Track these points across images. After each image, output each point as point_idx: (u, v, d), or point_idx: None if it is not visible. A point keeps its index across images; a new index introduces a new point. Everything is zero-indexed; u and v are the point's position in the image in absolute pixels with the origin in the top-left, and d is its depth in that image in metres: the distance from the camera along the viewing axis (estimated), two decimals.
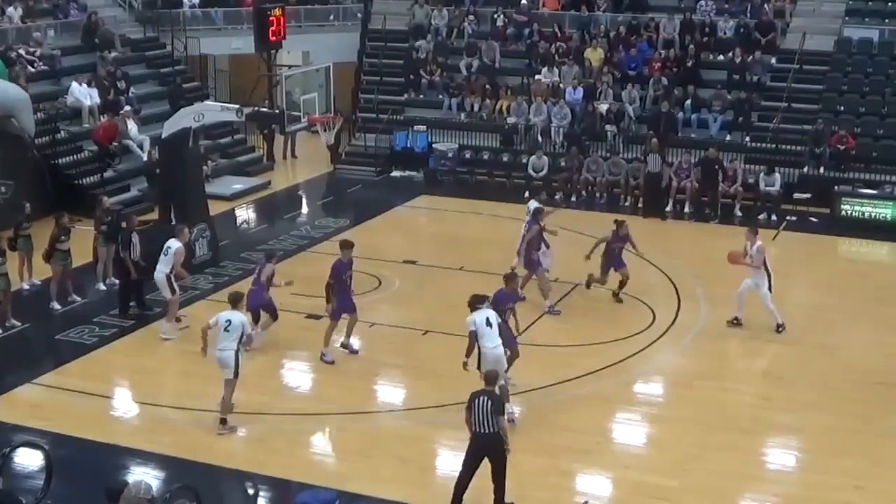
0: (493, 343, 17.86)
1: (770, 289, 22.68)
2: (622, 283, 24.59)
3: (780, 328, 22.80)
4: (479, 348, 17.89)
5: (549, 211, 26.44)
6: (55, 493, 12.47)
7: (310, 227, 30.39)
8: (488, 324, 17.91)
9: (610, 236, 24.47)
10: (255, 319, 21.49)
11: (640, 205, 32.38)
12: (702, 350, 22.11)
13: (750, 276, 22.83)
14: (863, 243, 29.92)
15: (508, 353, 18.46)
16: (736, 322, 23.10)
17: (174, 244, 22.27)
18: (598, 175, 33.33)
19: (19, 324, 22.76)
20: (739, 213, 31.50)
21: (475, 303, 18.22)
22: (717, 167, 31.75)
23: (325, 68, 28.51)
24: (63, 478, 14.10)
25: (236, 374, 18.07)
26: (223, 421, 18.30)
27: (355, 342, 21.66)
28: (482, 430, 15.38)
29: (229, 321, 18.13)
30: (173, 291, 22.33)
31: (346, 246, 21.40)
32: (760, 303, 22.73)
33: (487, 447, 15.46)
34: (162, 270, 22.19)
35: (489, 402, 15.41)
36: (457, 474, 15.92)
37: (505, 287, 19.57)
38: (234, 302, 18.63)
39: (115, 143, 32.04)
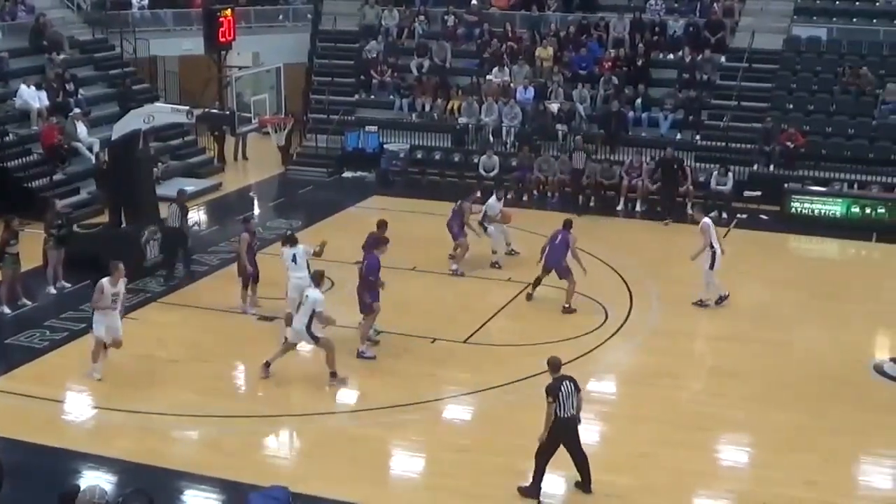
0: None
1: (712, 266, 23.68)
2: (538, 282, 24.74)
3: (700, 303, 24.06)
4: None
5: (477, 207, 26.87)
6: (7, 498, 12.39)
7: (262, 228, 30.21)
8: None
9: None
10: (246, 287, 23.38)
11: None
12: (654, 348, 22.20)
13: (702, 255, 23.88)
14: (813, 240, 30.12)
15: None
16: (700, 303, 24.19)
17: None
18: (550, 174, 33.41)
19: None
20: (691, 212, 31.58)
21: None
22: (675, 167, 31.89)
23: (275, 69, 28.45)
24: (14, 483, 14.02)
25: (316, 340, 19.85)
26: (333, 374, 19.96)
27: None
28: (568, 414, 15.85)
29: (307, 296, 19.68)
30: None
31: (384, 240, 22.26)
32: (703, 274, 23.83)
33: (571, 430, 16.03)
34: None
35: (573, 386, 15.98)
36: (411, 474, 15.87)
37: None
38: (317, 281, 20.23)
39: (64, 146, 31.76)
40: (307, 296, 19.73)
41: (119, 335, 20.20)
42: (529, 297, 24.60)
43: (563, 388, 15.83)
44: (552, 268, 24.13)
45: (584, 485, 16.36)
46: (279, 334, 21.33)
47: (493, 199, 26.65)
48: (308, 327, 19.59)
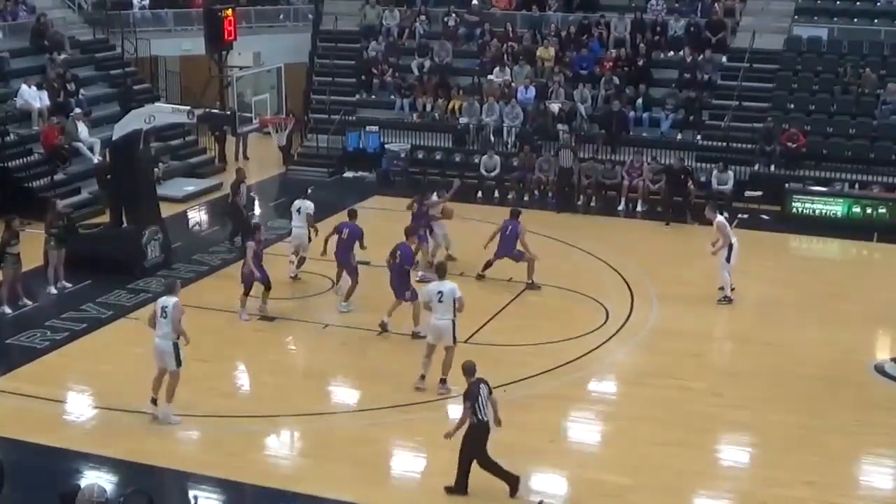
0: None
1: (729, 259, 23.98)
2: (488, 264, 25.48)
3: (725, 299, 24.33)
4: None
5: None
6: (8, 498, 12.40)
7: (262, 228, 30.24)
8: None
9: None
10: (247, 293, 23.14)
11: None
12: (655, 348, 22.21)
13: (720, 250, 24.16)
14: (813, 240, 30.14)
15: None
16: (727, 300, 24.48)
17: (169, 301, 18.80)
18: (550, 174, 33.41)
19: None
20: (682, 215, 31.67)
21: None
22: (683, 176, 31.86)
23: (276, 69, 28.46)
24: (15, 484, 14.04)
25: (455, 341, 19.58)
26: (443, 381, 19.53)
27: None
28: (486, 418, 15.95)
29: (441, 292, 19.41)
30: (179, 363, 18.83)
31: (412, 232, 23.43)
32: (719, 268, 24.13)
33: (487, 434, 16.08)
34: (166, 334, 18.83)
35: (488, 390, 16.09)
36: (411, 474, 15.89)
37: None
38: (442, 272, 20.20)
39: (64, 147, 31.78)
40: (441, 291, 19.57)
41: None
42: (481, 276, 25.57)
43: (480, 392, 15.91)
44: (504, 256, 25.14)
45: (510, 489, 16.30)
46: (280, 335, 21.37)
47: (434, 196, 26.90)
48: (454, 324, 19.65)
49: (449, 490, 16.23)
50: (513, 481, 16.21)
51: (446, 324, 19.39)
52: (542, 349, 21.70)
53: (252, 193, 29.91)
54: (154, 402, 18.53)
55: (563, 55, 38.06)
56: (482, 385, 16.02)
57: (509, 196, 33.23)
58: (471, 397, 15.90)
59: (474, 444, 16.04)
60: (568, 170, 32.62)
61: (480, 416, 15.88)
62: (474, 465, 16.07)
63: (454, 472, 16.32)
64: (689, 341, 22.56)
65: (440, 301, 19.37)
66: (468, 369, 16.35)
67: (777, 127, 33.41)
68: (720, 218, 24.46)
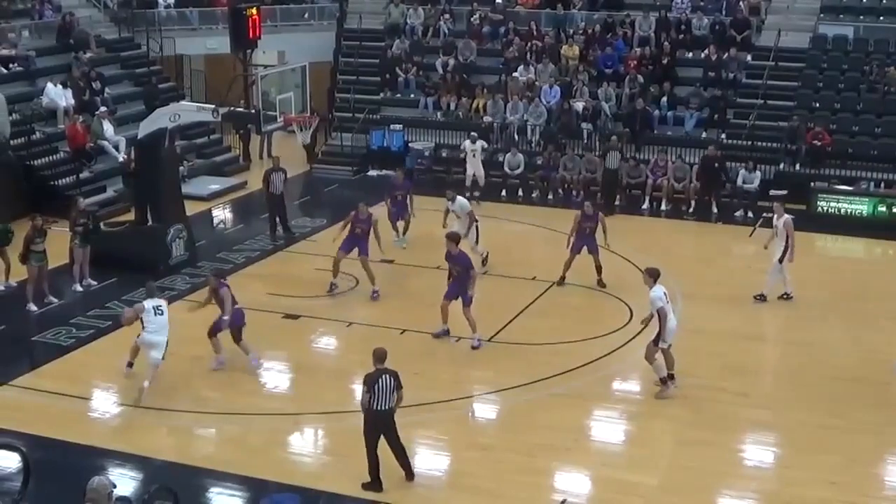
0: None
1: (781, 260, 23.92)
2: (598, 269, 25.20)
3: (786, 296, 24.39)
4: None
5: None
6: (33, 495, 12.46)
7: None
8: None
9: (579, 217, 25.01)
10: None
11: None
12: (678, 347, 22.05)
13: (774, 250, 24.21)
14: (839, 239, 30.01)
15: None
16: (786, 296, 24.52)
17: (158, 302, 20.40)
18: (574, 173, 33.39)
19: None
20: (716, 210, 31.63)
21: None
22: (716, 165, 31.84)
23: (300, 68, 28.49)
24: (41, 480, 14.10)
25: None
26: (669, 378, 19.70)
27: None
28: (384, 407, 16.01)
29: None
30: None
31: (452, 238, 22.30)
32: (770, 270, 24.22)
33: (386, 423, 16.17)
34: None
35: (392, 380, 16.07)
36: (434, 473, 15.91)
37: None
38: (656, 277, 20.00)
39: (90, 145, 31.94)
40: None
41: None
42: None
43: (380, 381, 15.98)
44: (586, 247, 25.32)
45: (406, 474, 16.61)
46: (302, 332, 21.44)
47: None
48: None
49: (365, 486, 16.39)
50: (375, 485, 16.43)
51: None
52: (566, 348, 21.69)
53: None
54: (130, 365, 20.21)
55: (587, 53, 38.02)
56: (385, 375, 16.05)
57: (533, 195, 33.24)
58: (367, 383, 16.03)
59: (368, 432, 16.22)
60: (614, 171, 32.45)
61: (375, 405, 15.96)
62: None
63: (478, 471, 16.37)
64: (712, 340, 22.49)
65: None
66: (378, 356, 16.41)
67: (802, 126, 33.28)
68: (787, 216, 24.31)
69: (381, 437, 16.22)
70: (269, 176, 29.21)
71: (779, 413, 19.16)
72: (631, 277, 25.63)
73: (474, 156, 32.47)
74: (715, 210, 31.55)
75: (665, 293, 19.56)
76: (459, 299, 21.56)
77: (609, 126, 35.55)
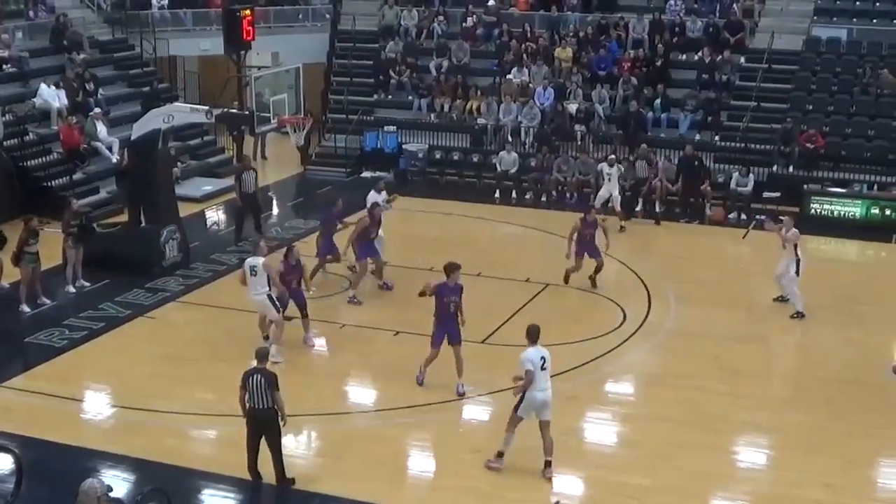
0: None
1: (798, 272, 23.61)
2: (597, 269, 25.10)
3: (797, 315, 23.71)
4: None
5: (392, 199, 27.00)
6: (26, 496, 12.43)
7: (280, 228, 30.35)
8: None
9: (579, 224, 24.80)
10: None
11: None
12: (673, 349, 22.17)
13: (783, 259, 23.90)
14: (832, 242, 29.99)
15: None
16: (781, 299, 24.27)
17: (256, 261, 20.96)
18: (568, 175, 33.39)
19: None
20: (710, 212, 31.63)
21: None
22: (696, 163, 31.83)
23: (294, 69, 28.53)
24: (34, 481, 14.09)
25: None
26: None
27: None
28: (259, 406, 16.03)
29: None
30: (277, 310, 21.14)
31: (453, 269, 19.64)
32: (787, 284, 23.77)
33: (262, 423, 16.15)
34: (260, 292, 21.01)
35: (262, 379, 16.02)
36: (427, 475, 15.88)
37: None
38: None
39: (83, 146, 31.89)
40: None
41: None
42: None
43: (251, 379, 16.04)
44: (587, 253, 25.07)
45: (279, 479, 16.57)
46: (296, 335, 21.42)
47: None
48: None
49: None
50: (284, 481, 16.55)
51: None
52: (559, 350, 21.61)
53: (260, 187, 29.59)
54: (266, 338, 21.03)
55: (581, 55, 38.02)
56: (257, 374, 16.06)
57: (527, 196, 33.23)
58: (242, 380, 16.14)
59: (249, 429, 16.30)
60: (644, 180, 32.29)
61: (251, 403, 16.06)
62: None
63: (472, 473, 16.34)
64: (706, 342, 22.49)
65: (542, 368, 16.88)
66: (259, 355, 16.51)
67: (795, 128, 33.30)
68: (796, 231, 24.13)
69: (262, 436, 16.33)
70: (241, 175, 28.72)
71: (773, 415, 19.14)
72: (624, 279, 25.71)
73: (609, 179, 30.71)
74: (708, 212, 31.52)
75: (543, 358, 16.80)
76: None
77: (603, 128, 35.54)
